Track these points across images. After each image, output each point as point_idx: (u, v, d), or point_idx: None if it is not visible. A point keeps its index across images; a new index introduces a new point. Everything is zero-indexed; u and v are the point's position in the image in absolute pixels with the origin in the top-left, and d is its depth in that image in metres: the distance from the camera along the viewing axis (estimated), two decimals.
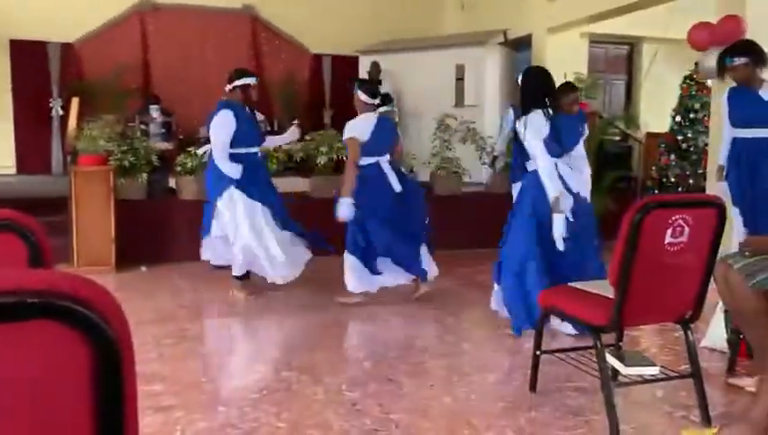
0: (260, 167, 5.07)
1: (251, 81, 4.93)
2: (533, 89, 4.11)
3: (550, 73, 4.27)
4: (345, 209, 4.49)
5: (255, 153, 4.97)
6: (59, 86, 9.71)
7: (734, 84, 4.58)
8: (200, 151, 5.34)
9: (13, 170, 9.61)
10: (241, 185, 4.73)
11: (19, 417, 0.81)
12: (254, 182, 4.82)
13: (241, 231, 4.74)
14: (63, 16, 9.50)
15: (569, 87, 5.88)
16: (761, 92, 4.37)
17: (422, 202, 4.87)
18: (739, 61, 4.36)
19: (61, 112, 9.57)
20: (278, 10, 10.60)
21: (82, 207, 5.81)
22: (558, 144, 4.01)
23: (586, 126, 5.52)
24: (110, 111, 7.43)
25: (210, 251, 5.01)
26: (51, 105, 9.69)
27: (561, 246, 3.90)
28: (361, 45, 9.75)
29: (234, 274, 4.90)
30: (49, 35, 9.55)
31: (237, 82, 4.87)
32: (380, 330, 4.34)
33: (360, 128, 4.66)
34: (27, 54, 9.54)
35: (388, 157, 4.72)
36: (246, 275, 5.00)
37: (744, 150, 4.49)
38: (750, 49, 4.39)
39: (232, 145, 4.73)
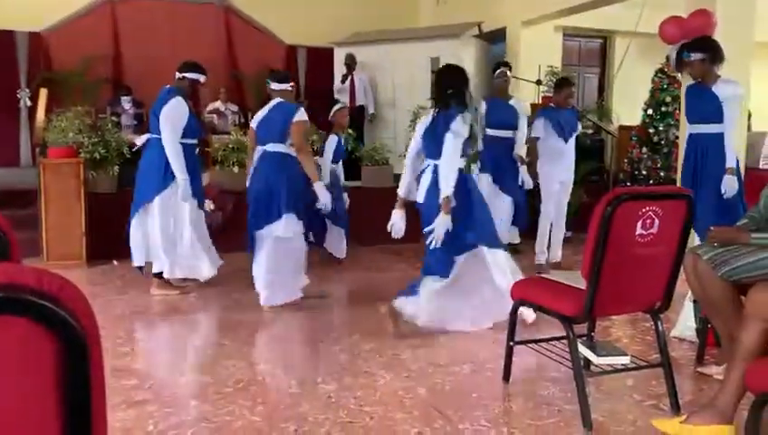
0: (197, 160, 4.97)
1: (202, 78, 4.84)
2: (441, 87, 3.95)
3: (459, 71, 4.03)
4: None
5: (194, 145, 4.86)
6: (27, 76, 9.50)
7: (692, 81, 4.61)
8: (139, 141, 5.00)
9: None
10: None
11: None
12: (194, 177, 4.76)
13: (178, 230, 4.72)
14: (31, 5, 9.28)
15: (563, 82, 6.06)
16: (714, 88, 4.39)
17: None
18: (695, 56, 4.38)
19: (29, 103, 9.36)
20: (252, 1, 10.49)
21: (52, 200, 5.70)
22: (433, 145, 3.83)
23: (579, 123, 5.72)
24: (81, 102, 7.30)
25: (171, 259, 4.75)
26: (18, 96, 9.47)
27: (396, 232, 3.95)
28: (337, 37, 9.70)
29: (165, 275, 4.78)
30: (16, 24, 9.33)
31: (188, 75, 4.77)
32: (355, 322, 4.34)
33: (256, 117, 4.68)
34: None
35: (273, 146, 4.44)
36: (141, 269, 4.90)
37: (698, 146, 4.51)
38: (707, 45, 4.42)
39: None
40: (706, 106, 4.43)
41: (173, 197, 4.66)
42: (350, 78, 8.92)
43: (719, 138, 4.38)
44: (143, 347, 3.77)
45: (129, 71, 9.97)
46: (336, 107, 6.04)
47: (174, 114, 4.60)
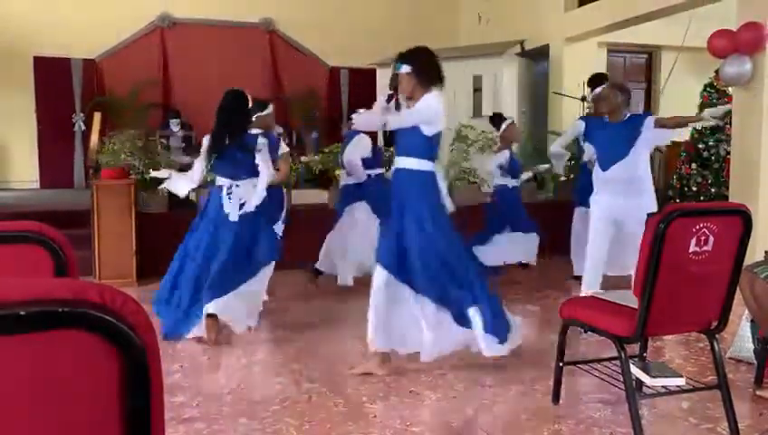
0: None
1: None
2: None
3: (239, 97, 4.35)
4: None
5: None
6: (81, 101, 9.87)
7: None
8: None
9: (36, 184, 9.76)
10: None
11: (48, 425, 0.82)
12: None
13: None
14: (86, 33, 9.67)
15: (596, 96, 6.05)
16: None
17: None
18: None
19: (83, 127, 9.72)
20: (296, 24, 10.70)
21: (104, 220, 5.87)
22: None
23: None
24: (132, 125, 7.54)
25: None
26: (73, 120, 9.85)
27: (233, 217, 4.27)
28: (379, 58, 9.79)
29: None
30: (72, 52, 9.72)
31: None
32: None
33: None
34: (51, 70, 9.71)
35: None
36: None
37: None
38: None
39: None
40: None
41: None
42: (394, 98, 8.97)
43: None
44: (191, 364, 3.83)
45: (178, 94, 10.27)
46: (507, 122, 6.02)
47: None
